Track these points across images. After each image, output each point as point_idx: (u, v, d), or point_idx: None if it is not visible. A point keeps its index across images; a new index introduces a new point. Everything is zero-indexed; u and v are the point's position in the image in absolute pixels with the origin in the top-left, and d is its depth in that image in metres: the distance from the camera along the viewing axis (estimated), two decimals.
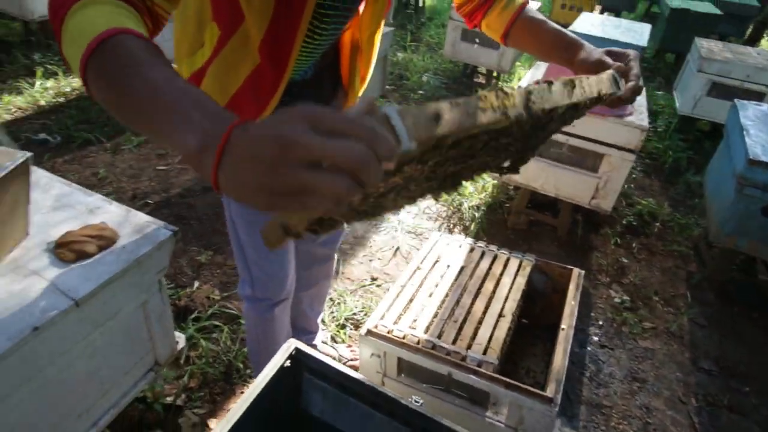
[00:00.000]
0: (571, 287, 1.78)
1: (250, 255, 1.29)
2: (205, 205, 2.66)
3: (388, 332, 1.55)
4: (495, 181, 3.03)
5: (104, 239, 1.17)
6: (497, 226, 2.77)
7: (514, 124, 0.66)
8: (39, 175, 1.38)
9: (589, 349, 2.10)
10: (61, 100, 3.54)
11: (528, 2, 1.03)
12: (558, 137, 2.35)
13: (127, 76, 0.52)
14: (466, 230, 2.71)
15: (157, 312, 1.31)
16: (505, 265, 1.89)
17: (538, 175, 2.49)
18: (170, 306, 1.38)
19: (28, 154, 1.06)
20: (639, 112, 2.37)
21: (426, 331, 1.56)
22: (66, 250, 1.13)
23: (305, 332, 1.79)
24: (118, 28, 0.55)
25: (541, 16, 1.01)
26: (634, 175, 3.46)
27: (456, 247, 1.98)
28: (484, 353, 1.49)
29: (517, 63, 4.81)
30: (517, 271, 1.86)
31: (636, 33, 3.85)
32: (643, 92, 2.62)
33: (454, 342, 1.53)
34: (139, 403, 1.59)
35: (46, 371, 1.04)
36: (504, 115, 0.62)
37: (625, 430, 1.78)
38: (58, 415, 1.12)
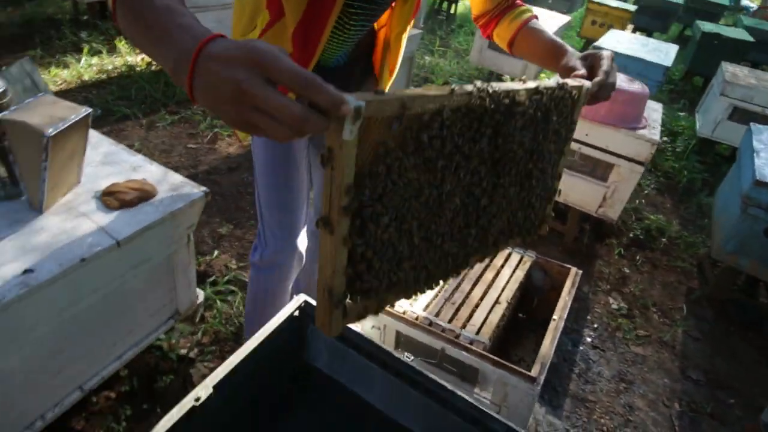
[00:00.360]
0: (568, 283, 1.87)
1: (265, 214, 1.36)
2: (229, 184, 2.82)
3: (389, 307, 1.67)
4: None
5: (144, 192, 1.32)
6: None
7: (470, 106, 0.72)
8: (91, 134, 1.54)
9: (581, 348, 2.18)
10: (104, 77, 3.75)
11: (535, 16, 1.13)
12: (571, 145, 2.44)
13: (139, 4, 0.62)
14: None
15: (183, 264, 1.45)
16: (507, 259, 1.99)
17: None
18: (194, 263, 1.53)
19: (89, 109, 1.22)
20: (652, 126, 2.45)
21: (425, 309, 1.68)
22: (111, 198, 1.28)
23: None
24: None
25: (541, 27, 1.10)
26: (646, 191, 3.52)
27: None
28: (477, 333, 1.60)
29: (542, 74, 4.89)
30: (518, 265, 1.96)
31: (661, 53, 3.91)
32: (659, 108, 2.70)
33: (450, 321, 1.64)
34: (156, 351, 1.74)
35: (87, 300, 1.18)
36: (450, 92, 0.69)
37: (606, 425, 1.86)
38: (92, 342, 1.27)
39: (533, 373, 1.46)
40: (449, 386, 1.09)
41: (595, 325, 2.33)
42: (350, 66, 1.22)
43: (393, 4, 1.12)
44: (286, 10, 1.01)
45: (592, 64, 0.97)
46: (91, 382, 1.32)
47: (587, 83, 0.94)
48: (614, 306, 2.46)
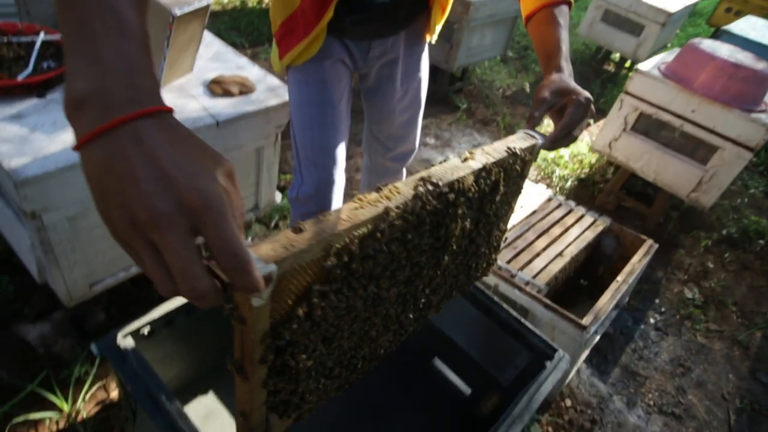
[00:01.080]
0: (640, 252, 1.80)
1: (300, 152, 1.31)
2: None
3: None
4: (594, 156, 3.00)
5: (245, 87, 1.45)
6: (584, 201, 2.77)
7: (403, 217, 0.63)
8: (204, 34, 1.69)
9: (642, 327, 2.10)
10: (218, 8, 4.02)
11: (567, 2, 0.97)
12: (673, 121, 2.28)
13: None
14: None
15: (269, 161, 1.58)
16: (578, 219, 1.94)
17: (641, 156, 2.45)
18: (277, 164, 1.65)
19: (210, 0, 1.34)
20: None
21: None
22: (217, 87, 1.41)
23: None
24: None
25: (562, 21, 0.94)
26: (752, 191, 3.21)
27: (534, 194, 2.07)
28: (534, 277, 1.60)
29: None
30: (589, 226, 1.91)
31: None
32: None
33: (507, 262, 1.65)
34: None
35: None
36: (384, 212, 0.60)
37: (653, 400, 1.80)
38: None
39: (584, 321, 1.44)
40: (496, 298, 1.13)
41: (663, 309, 2.22)
42: (395, 4, 1.15)
43: None
44: None
45: (564, 105, 0.87)
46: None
47: (539, 141, 0.86)
48: (688, 295, 2.32)
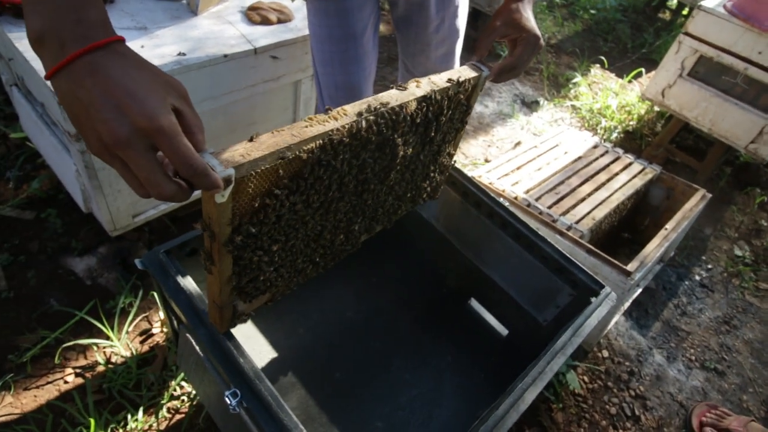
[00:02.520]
0: (692, 201, 1.71)
1: (324, 92, 1.28)
2: None
3: (490, 183, 1.66)
4: (644, 107, 2.83)
5: (283, 15, 1.40)
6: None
7: (352, 134, 0.72)
8: None
9: (686, 283, 2.02)
10: None
11: None
12: (736, 64, 2.11)
13: None
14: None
15: (306, 96, 1.54)
16: (626, 167, 1.85)
17: (696, 104, 2.29)
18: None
19: None
20: None
21: (526, 192, 1.64)
22: (255, 14, 1.37)
23: None
24: None
25: None
26: None
27: (580, 141, 1.97)
28: (577, 223, 1.54)
29: None
30: (637, 174, 1.81)
31: None
32: None
33: (550, 207, 1.59)
34: None
35: (224, 98, 1.32)
36: (336, 125, 0.69)
37: (695, 355, 1.75)
38: (222, 146, 1.44)
39: (630, 267, 1.39)
40: (539, 231, 1.08)
41: (709, 266, 2.12)
42: None
43: None
44: None
45: (515, 40, 0.92)
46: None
47: (485, 71, 0.91)
48: (738, 253, 2.21)
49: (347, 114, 0.72)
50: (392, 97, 0.79)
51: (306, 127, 0.68)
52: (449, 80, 0.88)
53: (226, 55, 1.22)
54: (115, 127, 0.44)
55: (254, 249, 0.72)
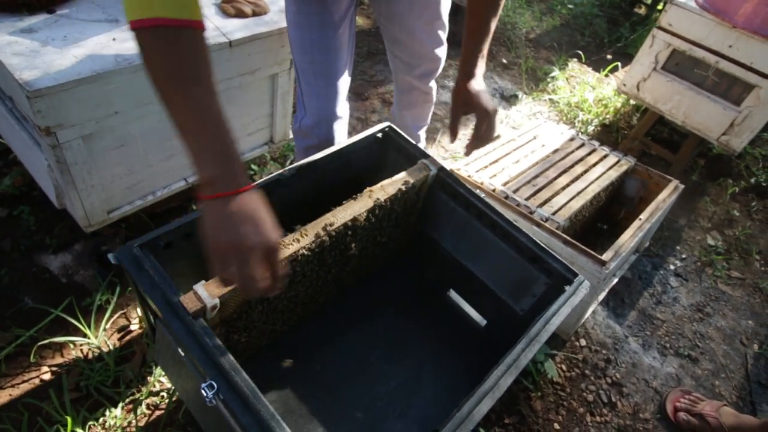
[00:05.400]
0: (665, 192, 1.74)
1: (301, 81, 1.28)
2: None
3: (468, 176, 1.68)
4: (620, 100, 2.88)
5: (258, 8, 1.39)
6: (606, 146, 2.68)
7: (313, 253, 0.98)
8: None
9: (661, 272, 2.07)
10: None
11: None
12: (708, 57, 2.16)
13: (182, 81, 0.66)
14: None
15: (284, 89, 1.53)
16: (602, 159, 1.88)
17: (670, 97, 2.33)
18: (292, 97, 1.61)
19: None
20: None
21: (504, 185, 1.66)
22: (229, 6, 1.36)
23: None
24: (191, 21, 0.65)
25: (484, 17, 1.04)
26: None
27: (557, 133, 2.00)
28: (554, 214, 1.57)
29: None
30: (613, 166, 1.85)
31: None
32: None
33: (527, 199, 1.61)
34: (250, 172, 1.91)
35: None
36: (298, 246, 0.94)
37: (669, 343, 1.79)
38: None
39: (605, 257, 1.41)
40: (517, 223, 1.10)
41: (683, 256, 2.17)
42: None
43: None
44: None
45: (475, 115, 1.08)
46: (193, 177, 1.49)
47: (433, 170, 1.13)
48: (711, 243, 2.27)
49: (308, 235, 0.95)
50: (346, 211, 1.00)
51: None
52: (404, 183, 1.07)
53: None
54: (250, 237, 0.68)
55: (237, 330, 1.01)
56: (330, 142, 1.36)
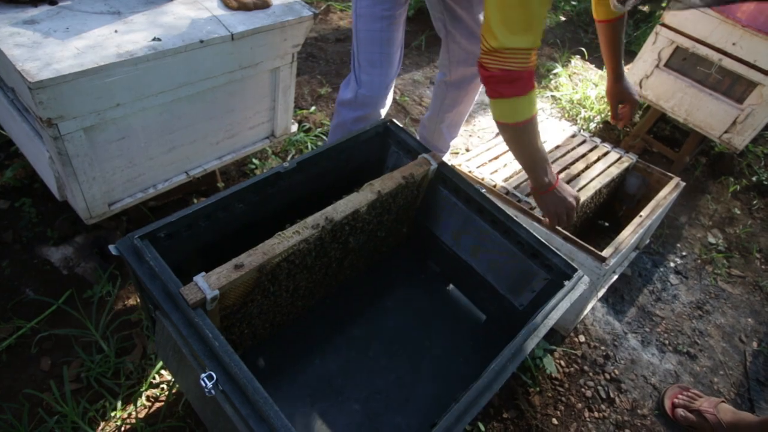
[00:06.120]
0: (666, 189, 1.74)
1: (362, 62, 1.50)
2: (334, 52, 2.86)
3: (469, 171, 1.67)
4: None
5: (261, 1, 1.38)
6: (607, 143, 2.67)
7: (316, 242, 0.99)
8: None
9: (661, 269, 2.07)
10: None
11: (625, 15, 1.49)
12: (711, 55, 2.15)
13: (532, 141, 1.22)
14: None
15: (285, 84, 1.53)
16: (603, 155, 1.88)
17: (673, 94, 2.33)
18: (294, 91, 1.61)
19: None
20: None
21: (505, 181, 1.66)
22: (232, 0, 1.35)
23: (435, 149, 1.98)
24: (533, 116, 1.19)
25: (617, 32, 1.51)
26: None
27: (558, 130, 1.99)
28: None
29: None
30: (614, 163, 1.84)
31: None
32: None
33: (528, 195, 1.61)
34: (251, 166, 1.92)
35: (202, 84, 1.31)
36: (299, 238, 0.94)
37: (668, 340, 1.79)
38: (199, 132, 1.42)
39: (604, 253, 1.41)
40: (515, 217, 1.10)
41: (684, 253, 2.17)
42: None
43: None
44: None
45: (627, 104, 1.65)
46: (194, 170, 1.49)
47: (434, 165, 1.19)
48: (712, 241, 2.27)
49: (307, 227, 0.97)
50: (348, 204, 1.02)
51: (276, 244, 0.92)
52: (404, 177, 1.10)
53: (202, 41, 1.21)
54: (571, 204, 1.31)
55: (240, 322, 1.02)
56: (377, 115, 1.62)
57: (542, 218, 1.49)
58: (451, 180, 1.17)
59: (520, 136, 1.19)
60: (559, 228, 1.43)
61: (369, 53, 1.49)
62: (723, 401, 1.52)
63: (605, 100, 2.97)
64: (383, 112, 1.65)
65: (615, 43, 1.52)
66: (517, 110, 1.14)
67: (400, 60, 1.60)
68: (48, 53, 1.05)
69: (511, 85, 1.10)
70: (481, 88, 1.79)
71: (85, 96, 1.08)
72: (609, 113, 2.86)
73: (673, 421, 1.54)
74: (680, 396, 1.56)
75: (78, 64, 1.04)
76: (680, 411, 1.52)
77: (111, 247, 0.87)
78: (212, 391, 0.76)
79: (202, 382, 0.75)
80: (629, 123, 1.64)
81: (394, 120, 1.25)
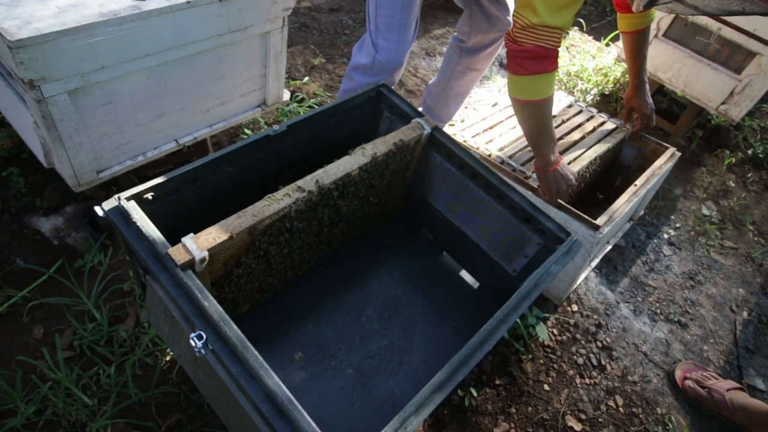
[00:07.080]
0: (661, 159, 1.73)
1: (380, 23, 1.47)
2: (328, 23, 2.80)
3: (464, 141, 1.66)
4: (619, 69, 2.84)
5: None
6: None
7: (302, 206, 0.97)
8: None
9: (654, 241, 2.07)
10: None
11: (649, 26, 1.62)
12: (711, 24, 2.11)
13: (546, 120, 1.28)
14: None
15: (276, 50, 1.50)
16: (600, 125, 1.86)
17: (671, 65, 2.30)
18: (285, 59, 1.57)
19: None
20: None
21: (500, 151, 1.64)
22: None
23: (437, 118, 1.96)
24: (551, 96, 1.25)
25: (640, 46, 1.65)
26: None
27: (555, 100, 1.97)
28: None
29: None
30: (610, 133, 1.83)
31: None
32: None
33: (523, 164, 1.60)
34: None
35: (190, 48, 1.27)
36: (289, 201, 0.93)
37: (660, 309, 1.81)
38: (188, 99, 1.39)
39: (598, 222, 1.41)
40: (509, 182, 1.09)
41: (677, 225, 2.18)
42: None
43: None
44: None
45: (640, 111, 1.77)
46: (184, 138, 1.46)
47: (427, 130, 1.16)
48: (705, 213, 2.27)
49: (299, 189, 0.95)
50: (339, 168, 1.00)
51: (266, 206, 0.91)
52: (395, 142, 1.08)
53: (188, 2, 1.17)
54: (571, 183, 1.39)
55: (228, 285, 1.02)
56: (392, 83, 1.59)
57: (537, 187, 1.48)
58: (444, 145, 1.16)
59: (536, 113, 1.23)
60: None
61: (389, 17, 1.46)
62: (740, 388, 1.50)
63: (603, 72, 2.95)
64: (397, 79, 1.62)
65: (638, 54, 1.64)
66: (540, 87, 1.19)
67: (416, 30, 1.57)
68: (27, 12, 1.01)
69: (540, 62, 1.14)
70: (493, 58, 1.83)
71: (67, 57, 1.05)
72: (605, 86, 2.84)
73: (680, 390, 1.55)
74: (695, 373, 1.56)
75: (59, 23, 1.01)
76: (689, 382, 1.53)
77: (97, 208, 0.85)
78: (202, 351, 0.75)
79: (192, 342, 0.75)
80: (640, 130, 1.76)
81: (386, 84, 1.23)
